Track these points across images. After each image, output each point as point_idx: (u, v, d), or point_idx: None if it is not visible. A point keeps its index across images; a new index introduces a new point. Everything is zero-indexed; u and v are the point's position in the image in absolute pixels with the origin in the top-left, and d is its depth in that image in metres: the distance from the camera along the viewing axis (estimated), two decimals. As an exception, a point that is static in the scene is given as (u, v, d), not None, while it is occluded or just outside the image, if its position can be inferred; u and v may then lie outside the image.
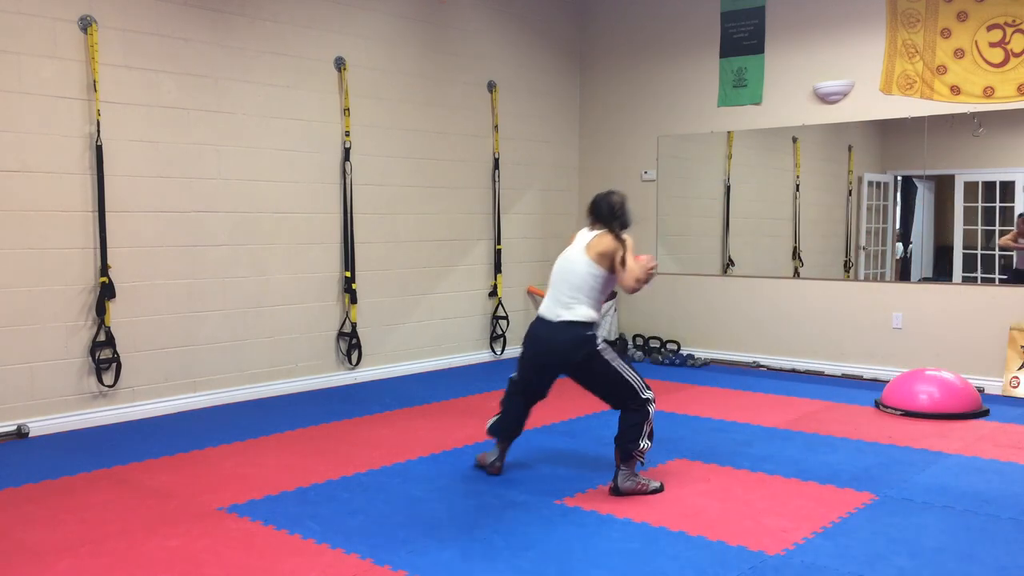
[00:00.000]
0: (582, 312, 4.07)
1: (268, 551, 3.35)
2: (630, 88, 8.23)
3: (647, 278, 4.08)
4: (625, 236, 4.13)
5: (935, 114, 6.57)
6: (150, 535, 3.51)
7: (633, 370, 4.13)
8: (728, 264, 7.93)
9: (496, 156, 7.78)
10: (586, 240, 4.12)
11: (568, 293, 4.08)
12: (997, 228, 6.91)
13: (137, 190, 5.53)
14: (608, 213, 4.14)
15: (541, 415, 5.61)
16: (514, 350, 8.07)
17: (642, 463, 4.14)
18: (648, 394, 4.10)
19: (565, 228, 8.57)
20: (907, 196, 7.49)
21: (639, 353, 7.90)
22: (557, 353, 4.11)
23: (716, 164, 7.93)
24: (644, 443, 4.03)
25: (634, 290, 4.08)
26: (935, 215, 7.28)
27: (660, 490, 4.06)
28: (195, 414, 5.69)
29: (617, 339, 8.21)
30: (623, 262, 4.04)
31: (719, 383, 6.75)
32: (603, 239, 4.08)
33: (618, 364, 4.10)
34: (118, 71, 5.41)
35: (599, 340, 4.11)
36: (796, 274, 7.68)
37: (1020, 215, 6.79)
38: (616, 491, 4.02)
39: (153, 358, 5.65)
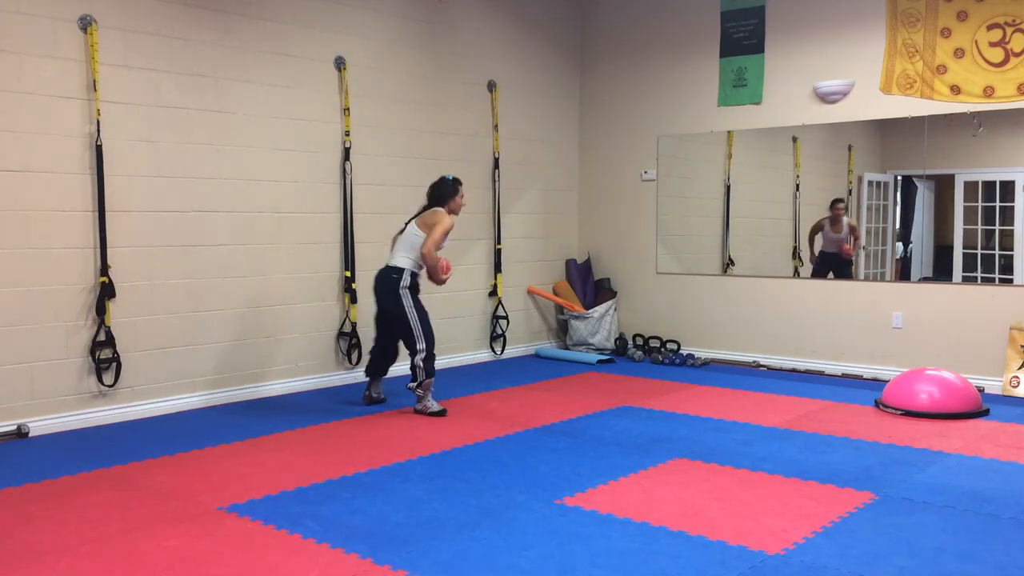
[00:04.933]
0: (397, 259, 5.61)
1: (268, 551, 3.35)
2: (630, 88, 8.23)
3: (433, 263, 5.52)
4: (440, 211, 5.63)
5: (935, 114, 6.57)
6: (150, 535, 3.51)
7: (418, 316, 5.56)
8: (728, 264, 7.94)
9: (496, 156, 7.78)
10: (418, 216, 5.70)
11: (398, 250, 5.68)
12: (997, 228, 6.92)
13: (137, 190, 5.53)
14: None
15: (541, 415, 5.61)
16: (514, 350, 8.08)
17: (421, 392, 5.62)
18: (420, 340, 5.56)
19: (565, 228, 8.58)
20: (907, 196, 7.49)
21: (639, 353, 7.90)
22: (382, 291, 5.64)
23: (716, 164, 7.93)
24: (418, 376, 5.59)
25: (424, 256, 5.51)
26: (935, 215, 7.28)
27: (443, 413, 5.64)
28: (195, 414, 5.69)
29: (617, 339, 8.22)
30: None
31: (719, 383, 6.75)
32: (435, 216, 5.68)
33: (412, 310, 5.55)
34: (118, 71, 5.41)
35: (404, 282, 5.54)
36: (796, 274, 7.68)
37: (835, 201, 7.50)
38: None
39: (153, 358, 5.65)
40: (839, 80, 6.96)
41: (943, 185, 7.17)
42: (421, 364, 5.54)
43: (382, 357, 5.89)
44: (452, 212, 5.65)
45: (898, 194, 7.52)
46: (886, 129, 7.14)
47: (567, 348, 8.30)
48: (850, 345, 7.04)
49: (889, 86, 6.74)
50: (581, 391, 6.47)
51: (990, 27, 6.28)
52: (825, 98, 7.05)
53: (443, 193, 5.65)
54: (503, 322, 7.88)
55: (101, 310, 5.35)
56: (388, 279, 5.54)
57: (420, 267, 5.58)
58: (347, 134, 6.62)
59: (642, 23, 8.10)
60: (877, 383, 6.65)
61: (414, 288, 5.58)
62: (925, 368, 5.96)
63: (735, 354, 7.67)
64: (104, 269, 5.36)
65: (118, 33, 5.40)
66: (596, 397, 6.22)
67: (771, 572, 3.16)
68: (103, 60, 5.33)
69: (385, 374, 5.96)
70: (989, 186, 6.95)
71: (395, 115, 6.98)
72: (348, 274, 6.65)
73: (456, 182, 5.70)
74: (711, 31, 7.64)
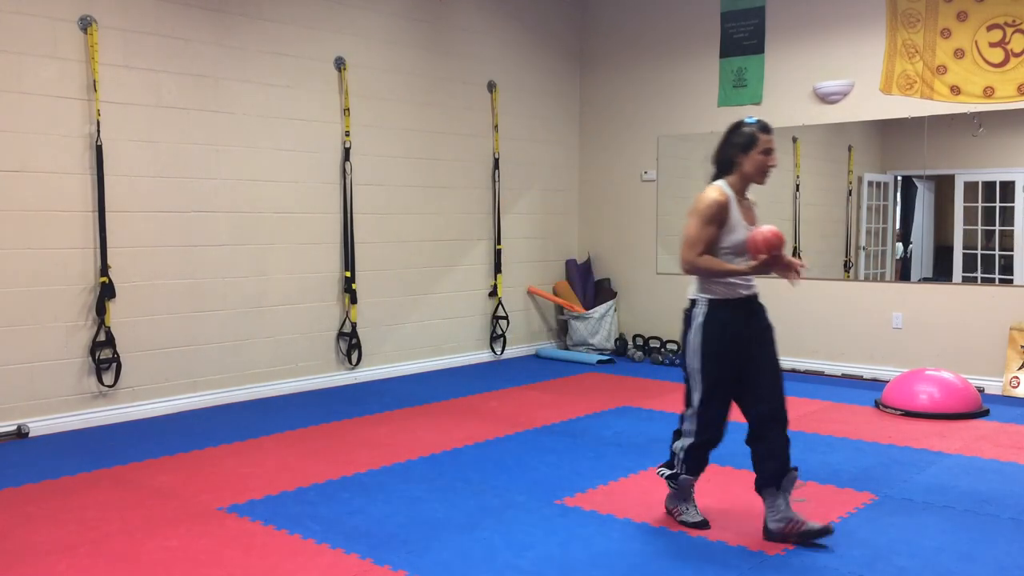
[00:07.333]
0: (689, 289, 3.60)
1: (268, 551, 3.35)
2: (630, 88, 8.23)
3: (704, 267, 3.40)
4: (707, 188, 3.49)
5: (935, 114, 6.57)
6: (150, 535, 3.51)
7: (702, 379, 3.49)
8: (728, 264, 7.92)
9: (496, 156, 7.78)
10: None
11: None
12: (997, 228, 6.91)
13: (137, 190, 5.53)
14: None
15: (541, 415, 5.61)
16: (514, 350, 8.06)
17: (674, 486, 3.66)
18: (689, 412, 3.57)
19: (565, 228, 8.58)
20: (907, 196, 7.49)
21: (639, 353, 7.90)
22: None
23: (716, 164, 7.91)
24: (678, 467, 3.62)
25: (686, 271, 3.48)
26: (935, 215, 7.28)
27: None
28: (195, 414, 5.69)
29: (617, 339, 8.21)
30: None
31: (719, 383, 6.74)
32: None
33: (692, 359, 3.51)
34: (118, 71, 5.41)
35: (695, 319, 3.50)
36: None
37: None
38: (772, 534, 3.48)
39: (153, 358, 5.64)
40: (839, 80, 6.96)
41: (943, 185, 7.17)
42: (681, 452, 3.60)
43: (758, 455, 3.63)
44: (748, 180, 3.49)
45: (898, 194, 7.52)
46: (886, 129, 7.14)
47: (567, 348, 8.29)
48: (850, 345, 7.03)
49: (889, 86, 6.74)
50: (581, 391, 6.47)
51: (990, 27, 6.28)
52: (825, 98, 7.05)
53: (726, 154, 3.49)
54: (503, 322, 7.88)
55: (101, 310, 5.35)
56: (683, 319, 3.58)
57: (729, 285, 3.46)
58: (347, 134, 6.62)
59: (642, 23, 8.10)
60: (877, 383, 6.64)
61: (710, 327, 3.45)
62: (925, 368, 5.96)
63: (735, 354, 7.66)
64: (104, 269, 5.36)
65: (118, 33, 5.40)
66: (596, 397, 6.22)
67: (771, 572, 3.16)
68: (103, 60, 5.33)
69: (780, 481, 3.53)
70: (989, 186, 6.95)
71: (395, 115, 6.98)
72: (348, 274, 6.65)
73: (741, 128, 3.48)
74: (711, 31, 7.64)
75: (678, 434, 3.63)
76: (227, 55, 5.93)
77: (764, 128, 3.44)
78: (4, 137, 5.00)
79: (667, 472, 3.65)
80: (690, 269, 3.43)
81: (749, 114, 3.73)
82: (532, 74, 8.11)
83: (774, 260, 3.33)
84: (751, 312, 3.51)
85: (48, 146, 5.16)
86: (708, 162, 3.59)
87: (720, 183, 3.47)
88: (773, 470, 3.48)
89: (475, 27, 7.60)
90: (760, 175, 3.47)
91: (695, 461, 3.60)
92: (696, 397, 3.51)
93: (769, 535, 3.45)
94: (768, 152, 3.43)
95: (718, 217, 3.38)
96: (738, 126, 3.48)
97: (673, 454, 3.64)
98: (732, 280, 3.44)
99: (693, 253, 3.40)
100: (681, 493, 3.65)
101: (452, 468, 4.44)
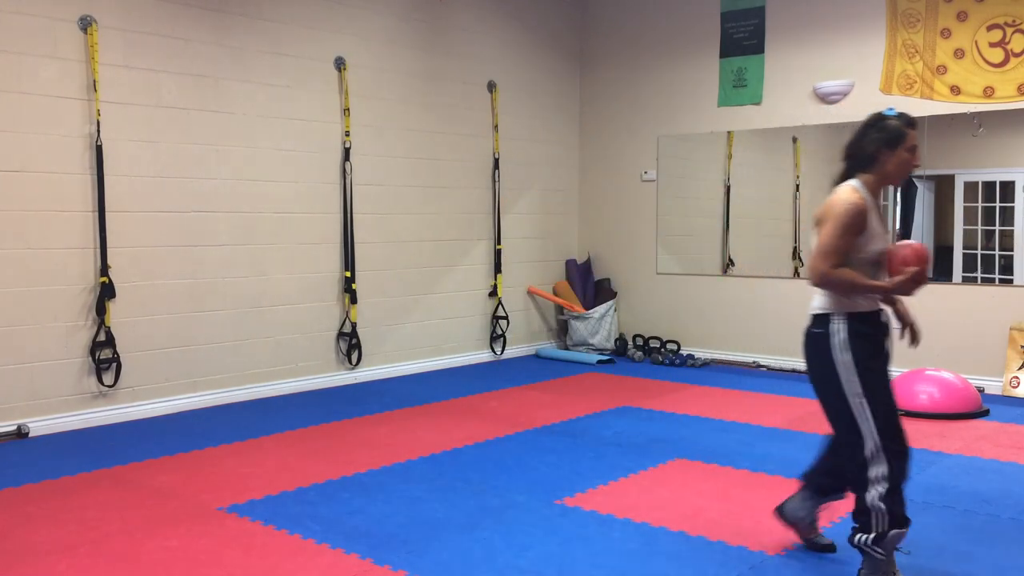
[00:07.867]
0: (816, 303, 3.10)
1: (268, 551, 3.35)
2: (630, 88, 8.23)
3: (839, 282, 2.95)
4: (841, 189, 3.03)
5: (935, 114, 6.57)
6: (150, 535, 3.51)
7: (870, 403, 2.98)
8: (728, 264, 7.93)
9: (496, 156, 7.78)
10: None
11: None
12: (997, 228, 6.92)
13: (137, 190, 5.53)
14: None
15: (541, 415, 5.61)
16: (514, 350, 8.07)
17: (879, 552, 2.95)
18: (869, 451, 2.95)
19: (565, 228, 8.58)
20: (907, 196, 7.49)
21: (639, 353, 7.91)
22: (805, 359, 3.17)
23: (716, 164, 7.93)
24: (878, 526, 2.93)
25: (818, 284, 3.00)
26: (935, 215, 7.28)
27: None
28: (195, 414, 5.69)
29: (617, 339, 8.21)
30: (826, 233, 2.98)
31: (719, 383, 6.75)
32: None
33: (849, 384, 2.98)
34: (118, 71, 5.41)
35: (835, 335, 3.00)
36: (796, 274, 7.68)
37: None
38: None
39: (153, 358, 5.65)
40: (839, 80, 6.96)
41: (943, 185, 7.17)
42: (879, 502, 2.93)
43: (825, 464, 3.32)
44: (887, 180, 3.05)
45: (898, 194, 7.52)
46: (886, 129, 7.12)
47: (567, 348, 8.29)
48: (850, 345, 7.02)
49: (889, 86, 6.74)
50: (581, 391, 6.47)
51: (990, 27, 6.28)
52: (825, 98, 7.05)
53: (866, 148, 3.04)
54: (503, 322, 7.88)
55: (101, 310, 5.35)
56: (808, 339, 3.10)
57: (868, 296, 3.03)
58: (347, 134, 6.62)
59: (642, 23, 8.10)
60: (877, 383, 6.63)
61: (858, 342, 2.99)
62: (925, 368, 5.96)
63: (735, 354, 7.67)
64: (104, 269, 5.36)
65: (118, 33, 5.40)
66: (596, 397, 6.22)
67: (771, 572, 3.16)
68: (103, 60, 5.33)
69: (825, 496, 3.33)
70: (989, 186, 6.95)
71: (395, 115, 6.98)
72: (348, 274, 6.65)
73: (884, 121, 3.04)
74: (711, 31, 7.64)
75: (862, 484, 2.97)
76: (227, 55, 5.94)
77: (910, 123, 3.03)
78: (4, 137, 5.00)
79: (870, 536, 2.95)
80: (823, 282, 2.96)
81: (889, 105, 3.25)
82: (532, 74, 8.11)
83: (922, 276, 2.91)
84: (883, 324, 3.12)
85: (48, 146, 5.16)
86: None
87: (855, 183, 3.02)
88: (841, 476, 3.17)
89: (475, 27, 7.60)
90: (901, 176, 3.06)
91: (900, 505, 2.94)
92: (870, 427, 2.96)
93: (780, 514, 3.40)
94: (913, 150, 3.02)
95: (858, 223, 2.93)
96: (880, 118, 3.04)
97: (867, 511, 2.96)
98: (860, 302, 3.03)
99: (828, 264, 2.93)
100: (889, 556, 2.97)
101: (452, 468, 4.44)
